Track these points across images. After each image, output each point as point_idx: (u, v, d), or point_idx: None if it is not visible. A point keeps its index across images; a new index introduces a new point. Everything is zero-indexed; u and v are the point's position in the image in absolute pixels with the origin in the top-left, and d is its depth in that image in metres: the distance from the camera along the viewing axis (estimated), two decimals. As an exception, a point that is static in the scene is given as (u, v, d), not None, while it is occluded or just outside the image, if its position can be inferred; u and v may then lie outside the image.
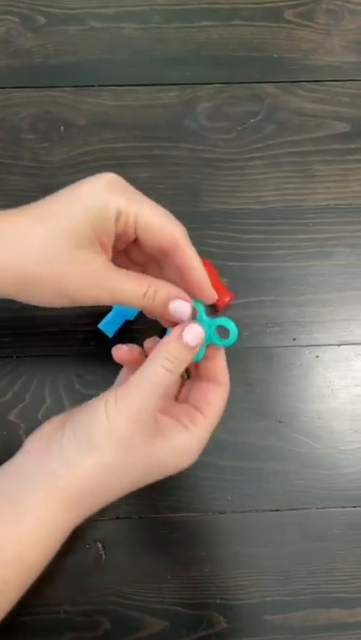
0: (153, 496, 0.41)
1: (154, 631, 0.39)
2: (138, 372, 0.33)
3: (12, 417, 0.42)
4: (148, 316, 0.37)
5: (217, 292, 0.43)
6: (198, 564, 0.40)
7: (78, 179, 0.46)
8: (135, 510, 0.41)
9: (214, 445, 0.42)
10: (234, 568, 0.40)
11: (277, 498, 0.41)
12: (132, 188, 0.35)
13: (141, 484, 0.34)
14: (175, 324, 0.34)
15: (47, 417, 0.36)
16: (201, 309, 0.34)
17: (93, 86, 0.48)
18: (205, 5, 0.50)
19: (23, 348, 0.43)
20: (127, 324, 0.43)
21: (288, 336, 0.44)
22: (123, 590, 0.40)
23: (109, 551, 0.40)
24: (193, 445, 0.34)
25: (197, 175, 0.47)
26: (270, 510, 0.41)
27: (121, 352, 0.35)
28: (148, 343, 0.36)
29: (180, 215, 0.45)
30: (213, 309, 0.44)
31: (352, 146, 0.48)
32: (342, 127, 0.48)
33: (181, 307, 0.34)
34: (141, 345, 0.36)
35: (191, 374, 0.37)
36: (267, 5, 0.51)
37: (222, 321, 0.34)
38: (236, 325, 0.34)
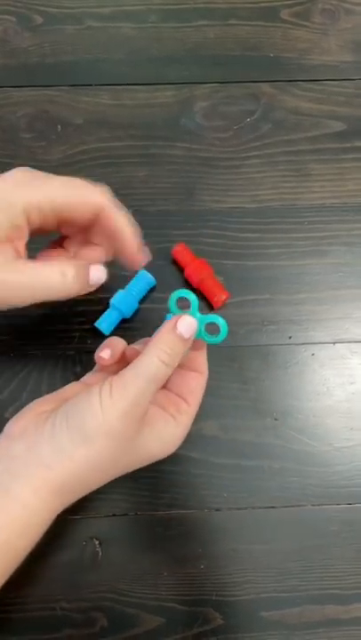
0: (149, 493, 0.41)
1: (150, 627, 0.40)
2: (133, 364, 0.33)
3: (8, 415, 0.42)
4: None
5: (213, 291, 0.43)
6: (194, 560, 0.41)
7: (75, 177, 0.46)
8: (131, 507, 0.41)
9: (210, 443, 0.42)
10: (230, 565, 0.41)
11: (273, 495, 0.42)
12: (40, 174, 0.35)
13: (128, 471, 0.35)
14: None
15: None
16: (194, 305, 0.34)
17: (90, 85, 0.49)
18: (202, 5, 0.51)
19: (20, 347, 0.43)
20: (123, 321, 0.44)
21: (284, 334, 0.44)
22: (119, 587, 0.40)
23: (106, 548, 0.41)
24: (179, 433, 0.35)
25: (194, 174, 0.47)
26: (266, 507, 0.41)
27: (104, 361, 0.36)
28: (129, 351, 0.36)
29: (175, 214, 0.46)
30: (209, 308, 0.44)
31: (348, 145, 0.48)
32: (338, 126, 0.48)
33: (98, 271, 0.35)
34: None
35: None
36: (263, 5, 0.51)
37: (213, 317, 0.34)
38: (227, 323, 0.34)
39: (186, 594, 0.40)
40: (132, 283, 0.44)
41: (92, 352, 0.41)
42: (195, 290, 0.44)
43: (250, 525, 0.41)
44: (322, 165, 0.47)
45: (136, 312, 0.44)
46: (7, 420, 0.43)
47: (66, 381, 0.43)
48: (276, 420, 0.43)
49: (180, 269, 0.44)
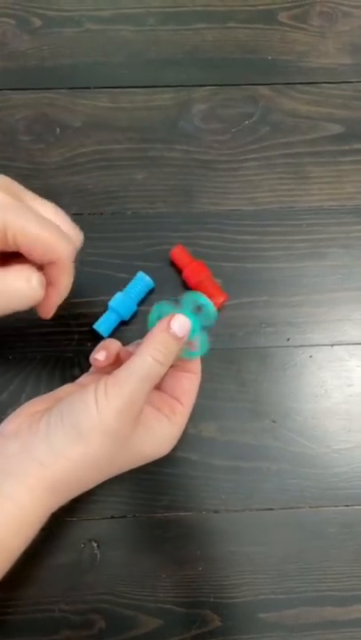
0: (147, 495, 0.41)
1: (148, 629, 0.40)
2: (127, 363, 0.33)
3: (7, 416, 0.42)
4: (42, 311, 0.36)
5: (211, 293, 0.43)
6: (192, 562, 0.41)
7: (73, 180, 0.47)
8: (130, 510, 0.41)
9: (208, 445, 0.42)
10: (228, 566, 0.41)
11: (271, 497, 0.42)
12: (19, 195, 0.33)
13: (123, 471, 0.35)
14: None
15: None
16: (188, 311, 0.35)
17: (89, 88, 0.49)
18: (200, 8, 0.51)
19: (19, 349, 0.43)
20: (122, 324, 0.44)
21: (282, 336, 0.44)
22: (117, 589, 0.40)
23: (104, 550, 0.41)
24: (174, 433, 0.36)
25: (192, 176, 0.47)
26: (264, 509, 0.41)
27: (99, 362, 0.36)
28: (123, 353, 0.36)
29: (174, 216, 0.46)
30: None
31: (346, 147, 0.48)
32: (336, 129, 0.48)
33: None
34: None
35: None
36: (261, 8, 0.51)
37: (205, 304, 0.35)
38: (208, 341, 0.35)
39: (184, 596, 0.40)
40: (130, 285, 0.44)
41: (90, 354, 0.41)
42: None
43: (248, 527, 0.41)
44: (320, 168, 0.47)
45: (134, 314, 0.44)
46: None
47: (64, 383, 0.43)
48: (274, 422, 0.43)
49: (179, 271, 0.45)
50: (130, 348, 0.37)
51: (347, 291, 0.45)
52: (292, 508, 0.42)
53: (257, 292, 0.45)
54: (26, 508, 0.32)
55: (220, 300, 0.43)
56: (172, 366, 0.36)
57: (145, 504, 0.41)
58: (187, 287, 0.44)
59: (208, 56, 0.50)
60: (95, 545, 0.41)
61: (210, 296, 0.43)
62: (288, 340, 0.44)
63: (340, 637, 0.40)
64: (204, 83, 0.49)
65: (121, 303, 0.43)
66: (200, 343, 0.35)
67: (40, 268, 0.34)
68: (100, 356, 0.36)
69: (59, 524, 0.41)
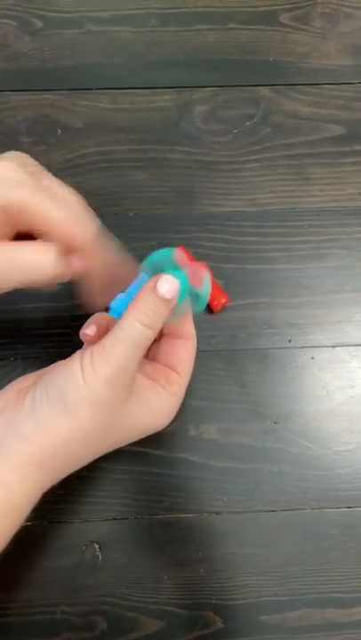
0: (149, 497, 0.41)
1: (150, 631, 0.40)
2: (113, 330, 0.31)
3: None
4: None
5: (212, 294, 0.43)
6: (194, 564, 0.41)
7: (75, 182, 0.46)
8: (131, 511, 0.41)
9: (210, 446, 0.42)
10: (229, 568, 0.41)
11: (273, 499, 0.42)
12: (38, 174, 0.33)
13: (121, 445, 0.33)
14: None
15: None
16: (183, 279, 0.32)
17: (90, 89, 0.49)
18: (201, 9, 0.51)
19: (20, 350, 0.43)
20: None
21: (283, 338, 0.44)
22: (119, 591, 0.40)
23: (105, 552, 0.41)
24: (172, 405, 0.34)
25: (193, 178, 0.47)
26: (266, 511, 0.41)
27: (89, 337, 0.34)
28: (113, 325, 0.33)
29: (175, 217, 0.46)
30: (210, 312, 0.44)
31: (347, 149, 0.48)
32: (337, 130, 0.48)
33: (78, 258, 0.32)
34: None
35: None
36: (262, 9, 0.51)
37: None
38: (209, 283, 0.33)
39: (186, 597, 0.40)
40: (132, 286, 0.44)
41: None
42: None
43: (250, 529, 0.41)
44: (321, 169, 0.47)
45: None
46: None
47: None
48: (275, 423, 0.43)
49: (180, 273, 0.44)
50: None
51: (348, 292, 0.45)
52: (293, 509, 0.42)
53: (258, 293, 0.45)
54: (12, 487, 0.30)
55: (222, 301, 0.43)
56: (163, 334, 0.35)
57: (146, 506, 0.41)
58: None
59: (209, 57, 0.50)
60: (97, 547, 0.41)
61: (211, 298, 0.43)
62: (289, 341, 0.44)
63: (342, 639, 0.40)
64: (205, 84, 0.49)
65: (123, 304, 0.42)
66: (200, 300, 0.33)
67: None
68: (89, 330, 0.34)
69: (60, 526, 0.41)
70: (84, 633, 0.39)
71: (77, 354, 0.31)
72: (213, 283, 0.44)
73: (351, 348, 0.44)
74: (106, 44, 0.50)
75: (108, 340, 0.30)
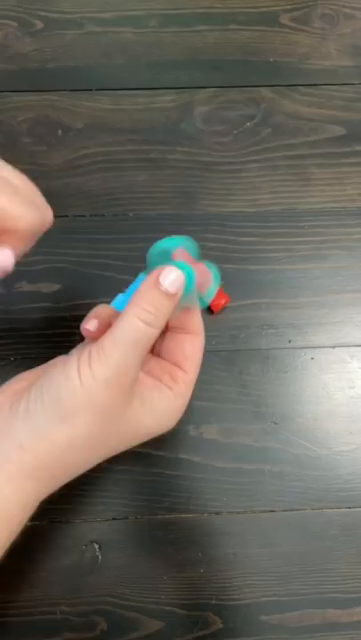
0: (149, 497, 0.41)
1: (150, 631, 0.40)
2: (112, 328, 0.28)
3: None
4: None
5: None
6: (194, 564, 0.41)
7: (75, 182, 0.47)
8: (131, 511, 0.41)
9: (210, 447, 0.42)
10: (229, 569, 0.41)
11: (273, 499, 0.42)
12: None
13: (123, 450, 0.31)
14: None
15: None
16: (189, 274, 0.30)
17: (91, 90, 0.49)
18: (202, 10, 0.51)
19: (20, 350, 0.43)
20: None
21: (283, 338, 0.44)
22: (119, 591, 0.40)
23: (105, 552, 0.41)
24: (178, 406, 0.32)
25: (194, 178, 0.47)
26: (266, 511, 0.41)
27: (90, 333, 0.31)
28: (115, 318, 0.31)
29: (176, 218, 0.46)
30: (210, 312, 0.44)
31: (347, 149, 0.48)
32: (338, 131, 0.48)
33: (2, 254, 0.29)
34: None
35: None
36: (263, 10, 0.51)
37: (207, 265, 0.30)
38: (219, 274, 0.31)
39: (186, 598, 0.40)
40: (132, 286, 0.44)
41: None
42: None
43: (250, 529, 0.41)
44: (322, 170, 0.47)
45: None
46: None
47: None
48: (275, 423, 0.43)
49: (180, 273, 0.44)
50: None
51: (348, 292, 0.45)
52: (293, 509, 0.42)
53: (259, 293, 0.45)
54: (9, 497, 0.28)
55: (222, 302, 0.44)
56: (169, 328, 0.32)
57: (146, 506, 0.41)
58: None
59: (210, 58, 0.50)
60: (97, 547, 0.41)
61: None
62: (290, 341, 0.44)
63: (342, 639, 0.40)
64: (206, 85, 0.49)
65: (123, 304, 0.42)
66: (208, 292, 0.31)
67: None
68: (90, 325, 0.31)
69: (60, 526, 0.41)
70: (84, 633, 0.40)
71: (75, 353, 0.29)
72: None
73: (351, 349, 0.44)
74: (107, 45, 0.50)
75: (107, 340, 0.28)
